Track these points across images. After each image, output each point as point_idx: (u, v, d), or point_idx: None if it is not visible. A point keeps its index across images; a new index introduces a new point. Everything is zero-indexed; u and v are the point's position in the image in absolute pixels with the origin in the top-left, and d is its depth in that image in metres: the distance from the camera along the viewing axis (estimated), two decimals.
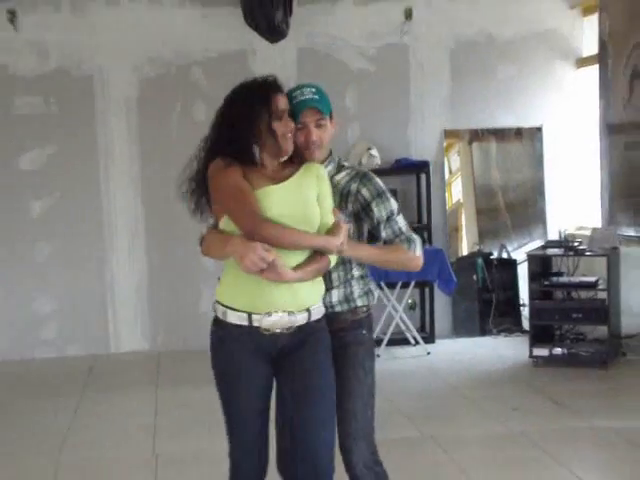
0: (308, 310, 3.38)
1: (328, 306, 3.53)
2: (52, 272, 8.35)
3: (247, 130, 3.39)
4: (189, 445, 5.83)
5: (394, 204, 3.61)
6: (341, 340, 3.55)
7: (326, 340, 3.47)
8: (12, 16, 8.11)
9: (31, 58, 8.28)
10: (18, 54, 8.27)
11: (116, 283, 8.54)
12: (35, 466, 5.51)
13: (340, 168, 3.64)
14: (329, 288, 3.53)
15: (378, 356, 7.88)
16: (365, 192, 3.57)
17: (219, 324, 3.44)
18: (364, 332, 3.62)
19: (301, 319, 3.36)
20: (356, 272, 3.61)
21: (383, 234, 3.58)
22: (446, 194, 8.83)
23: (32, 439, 6.05)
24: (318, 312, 3.44)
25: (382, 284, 8.09)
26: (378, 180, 3.63)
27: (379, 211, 3.56)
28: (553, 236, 8.59)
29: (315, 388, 3.41)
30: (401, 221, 3.61)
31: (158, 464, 5.46)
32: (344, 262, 3.56)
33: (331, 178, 3.58)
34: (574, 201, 8.91)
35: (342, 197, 3.58)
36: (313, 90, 3.58)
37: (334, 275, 3.54)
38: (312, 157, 3.51)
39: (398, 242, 3.58)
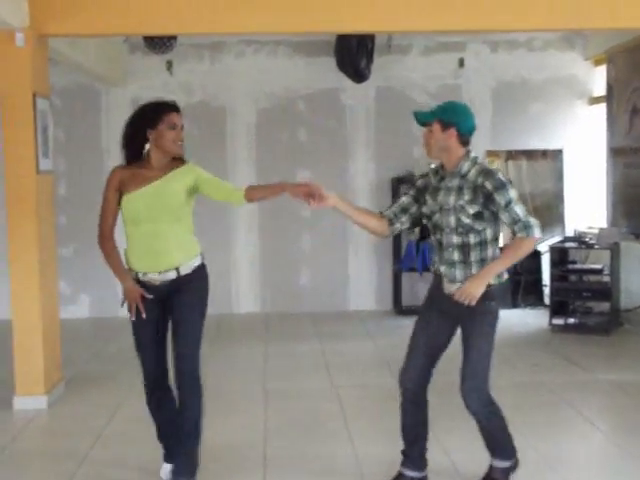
0: (177, 268, 3.77)
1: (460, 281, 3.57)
2: None
3: (137, 136, 3.79)
4: (291, 384, 5.92)
5: (513, 194, 3.48)
6: (473, 309, 3.59)
7: (195, 286, 3.87)
8: (169, 65, 8.31)
9: (181, 94, 8.43)
10: (172, 92, 8.39)
11: (237, 260, 8.70)
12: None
13: (473, 166, 3.58)
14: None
15: None
16: (487, 184, 3.50)
17: None
18: (491, 303, 3.65)
19: (171, 275, 3.77)
20: (474, 258, 3.59)
21: (503, 218, 3.51)
22: None
23: None
24: (186, 269, 3.81)
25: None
26: (500, 174, 3.52)
27: (499, 200, 3.48)
28: (569, 233, 8.51)
29: (181, 320, 3.81)
30: (519, 208, 3.49)
31: (268, 397, 5.57)
32: (465, 254, 3.57)
33: (466, 175, 3.56)
34: (586, 206, 8.80)
35: (473, 190, 3.52)
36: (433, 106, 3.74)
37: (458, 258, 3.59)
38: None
39: (516, 229, 3.50)
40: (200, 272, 3.89)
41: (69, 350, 6.25)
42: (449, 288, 3.63)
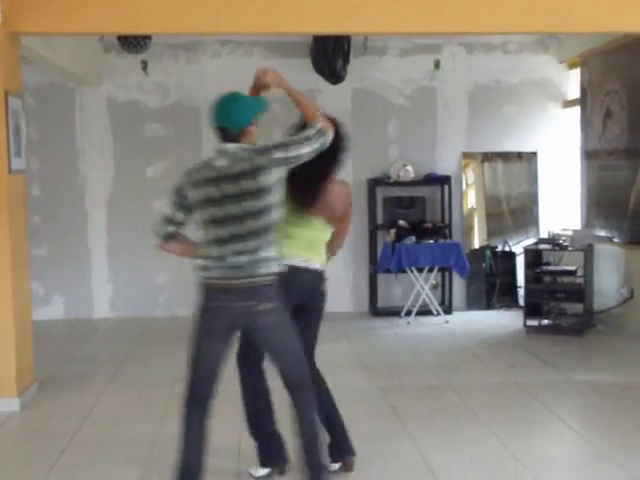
0: None
1: None
2: (167, 254, 8.40)
3: None
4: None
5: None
6: None
7: None
8: (144, 65, 8.21)
9: (156, 95, 8.45)
10: (147, 92, 8.43)
11: None
12: (153, 394, 5.62)
13: None
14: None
15: (408, 323, 7.96)
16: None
17: None
18: None
19: None
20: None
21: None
22: (463, 201, 8.84)
23: (152, 376, 6.16)
24: None
25: (413, 269, 8.17)
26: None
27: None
28: (544, 235, 8.57)
29: None
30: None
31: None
32: None
33: None
34: (560, 208, 8.86)
35: None
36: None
37: None
38: None
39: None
40: None
41: (42, 352, 6.20)
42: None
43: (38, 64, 7.01)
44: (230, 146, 3.41)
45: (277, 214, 3.37)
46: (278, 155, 3.35)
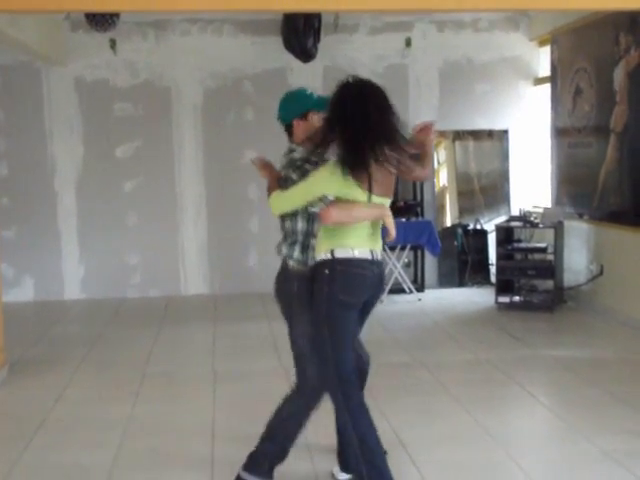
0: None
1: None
2: (139, 234, 8.42)
3: None
4: (239, 365, 5.91)
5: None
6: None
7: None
8: (113, 43, 8.12)
9: (125, 74, 8.35)
10: (116, 71, 8.33)
11: (185, 243, 8.61)
12: (126, 375, 5.62)
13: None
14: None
15: (381, 301, 7.99)
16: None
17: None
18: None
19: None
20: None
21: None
22: (435, 179, 8.86)
23: (124, 357, 6.16)
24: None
25: (385, 247, 8.18)
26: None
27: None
28: (515, 212, 8.59)
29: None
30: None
31: (216, 378, 5.55)
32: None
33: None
34: (531, 186, 8.91)
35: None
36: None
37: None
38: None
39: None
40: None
41: (13, 334, 6.14)
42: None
43: (3, 43, 6.89)
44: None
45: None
46: (290, 174, 3.42)
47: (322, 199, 3.32)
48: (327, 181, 3.27)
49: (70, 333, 7.15)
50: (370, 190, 3.30)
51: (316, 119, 3.50)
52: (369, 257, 3.37)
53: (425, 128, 3.64)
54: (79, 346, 6.49)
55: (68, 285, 8.49)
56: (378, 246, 3.45)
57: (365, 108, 3.26)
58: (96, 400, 5.12)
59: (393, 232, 3.36)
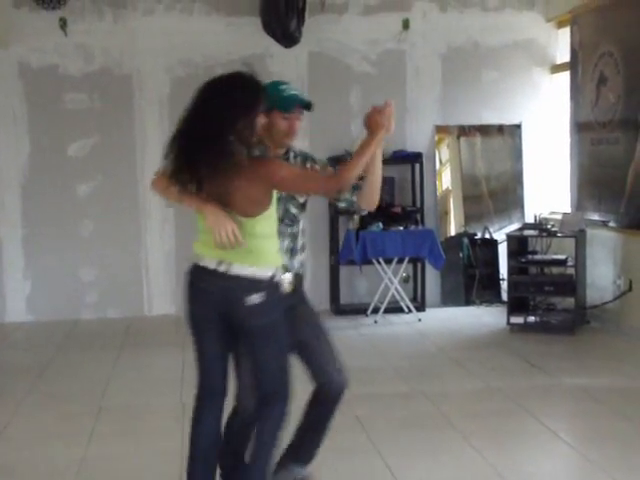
0: None
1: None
2: (95, 246, 8.37)
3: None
4: None
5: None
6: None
7: None
8: (63, 23, 8.07)
9: (78, 60, 8.31)
10: (67, 56, 8.30)
11: (150, 255, 8.57)
12: (79, 409, 5.56)
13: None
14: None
15: (375, 322, 7.96)
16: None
17: None
18: None
19: None
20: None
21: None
22: (437, 182, 8.85)
23: (77, 387, 6.10)
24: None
25: (380, 260, 8.17)
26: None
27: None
28: (529, 219, 8.61)
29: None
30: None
31: (185, 412, 5.49)
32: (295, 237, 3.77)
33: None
34: (548, 189, 8.92)
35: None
36: (295, 88, 3.81)
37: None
38: (291, 143, 3.75)
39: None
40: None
41: None
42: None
43: None
44: None
45: None
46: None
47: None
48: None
49: (14, 361, 7.08)
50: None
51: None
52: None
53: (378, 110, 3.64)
54: (24, 376, 6.43)
55: (11, 305, 8.43)
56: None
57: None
58: (43, 440, 5.05)
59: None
